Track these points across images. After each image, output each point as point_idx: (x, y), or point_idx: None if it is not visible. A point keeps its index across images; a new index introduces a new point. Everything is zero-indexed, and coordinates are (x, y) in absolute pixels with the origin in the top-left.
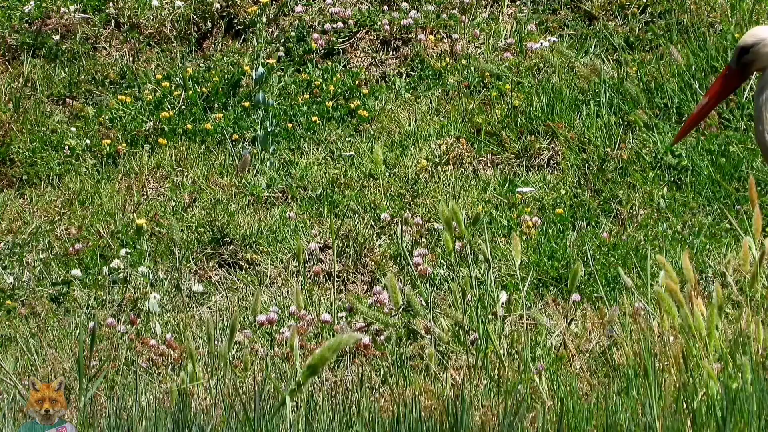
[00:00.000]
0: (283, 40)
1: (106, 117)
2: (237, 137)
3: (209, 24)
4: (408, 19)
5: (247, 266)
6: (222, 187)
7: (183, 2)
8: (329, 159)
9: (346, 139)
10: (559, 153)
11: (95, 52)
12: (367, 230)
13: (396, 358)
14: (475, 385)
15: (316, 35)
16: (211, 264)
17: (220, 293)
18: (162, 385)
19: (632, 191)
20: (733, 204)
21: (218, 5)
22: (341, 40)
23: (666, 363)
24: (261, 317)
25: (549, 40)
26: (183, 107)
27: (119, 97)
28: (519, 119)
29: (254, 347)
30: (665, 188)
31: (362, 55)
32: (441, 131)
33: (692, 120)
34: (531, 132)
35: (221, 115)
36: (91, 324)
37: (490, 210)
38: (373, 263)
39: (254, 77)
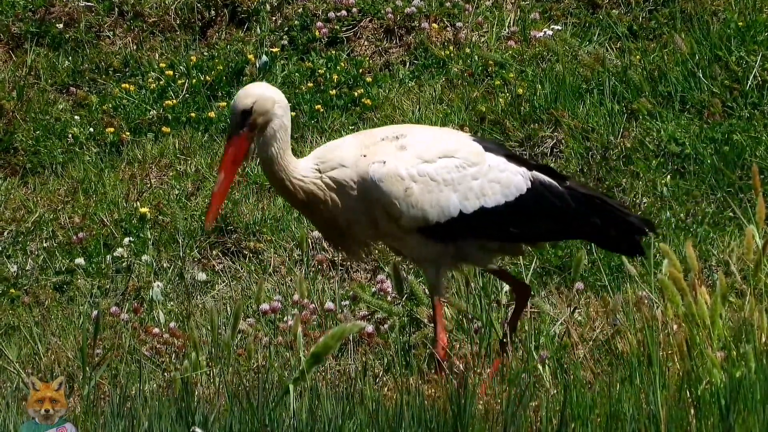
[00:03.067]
0: (286, 28)
1: (110, 105)
2: None
3: (213, 12)
4: (411, 7)
5: (251, 255)
6: None
7: None
8: None
9: (350, 128)
10: (563, 141)
11: (99, 41)
12: None
13: (399, 347)
14: (479, 373)
15: (319, 23)
16: (214, 252)
17: (223, 282)
18: (165, 374)
19: (635, 179)
20: (736, 192)
21: None
22: (345, 29)
23: (670, 351)
24: (264, 306)
25: (553, 29)
26: (187, 96)
27: (123, 85)
28: (522, 107)
29: (258, 336)
30: (668, 176)
31: (366, 43)
32: (444, 120)
33: (216, 200)
34: (534, 120)
35: (225, 103)
36: (95, 312)
37: None
38: (376, 252)
39: (258, 66)
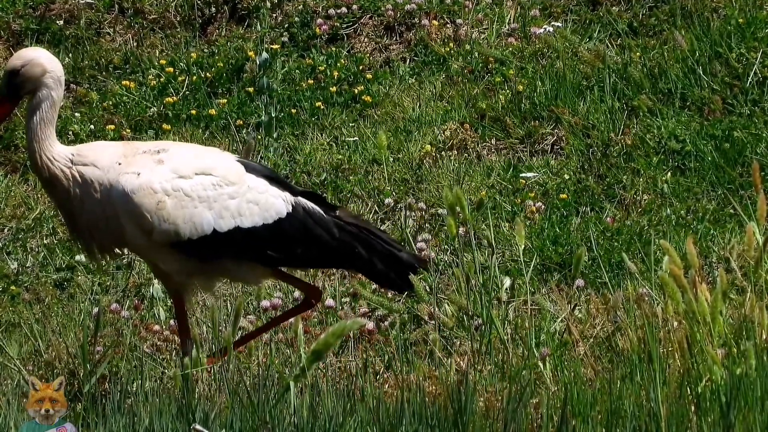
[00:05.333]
0: (287, 25)
1: (110, 102)
2: (241, 123)
3: (213, 9)
4: (411, 4)
5: None
6: None
7: None
8: (333, 144)
9: (350, 125)
10: (563, 138)
11: (99, 38)
12: (371, 215)
13: (400, 344)
14: (479, 370)
15: (320, 20)
16: None
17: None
18: (166, 371)
19: (636, 176)
20: (737, 189)
21: None
22: (345, 26)
23: (670, 348)
24: (265, 302)
25: (553, 26)
26: (187, 93)
27: (123, 82)
28: (523, 105)
29: None
30: (669, 173)
31: (366, 40)
32: (445, 117)
33: None
34: (535, 117)
35: (225, 100)
36: (95, 310)
37: (494, 195)
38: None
39: (258, 63)
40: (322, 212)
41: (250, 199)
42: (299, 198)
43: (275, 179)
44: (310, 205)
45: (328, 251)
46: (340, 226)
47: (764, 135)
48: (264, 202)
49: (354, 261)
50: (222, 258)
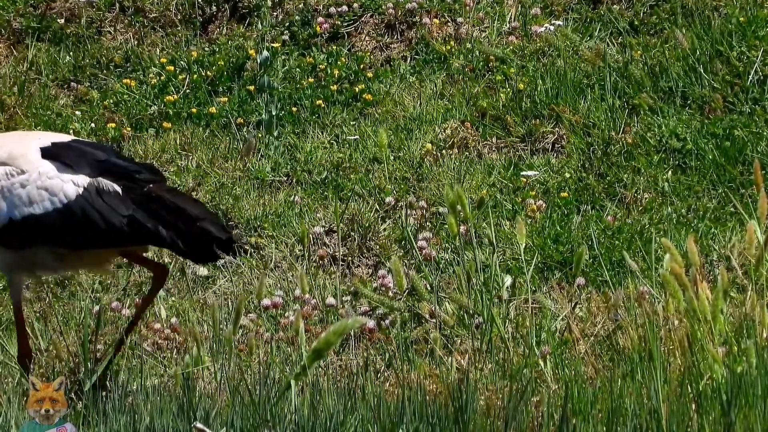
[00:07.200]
0: (287, 23)
1: (111, 101)
2: (242, 121)
3: (214, 8)
4: (412, 2)
5: (252, 250)
6: (226, 171)
7: None
8: (334, 143)
9: (351, 123)
10: (564, 137)
11: (100, 36)
12: (371, 214)
13: (401, 342)
14: (480, 369)
15: (320, 19)
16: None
17: (224, 277)
18: (167, 369)
19: (637, 175)
20: (737, 188)
21: None
22: (346, 24)
23: (671, 347)
24: (266, 301)
25: (554, 24)
26: (188, 91)
27: (124, 80)
28: (524, 103)
29: (259, 331)
30: (670, 172)
31: (367, 38)
32: (446, 115)
33: None
34: (536, 116)
35: (226, 98)
36: (96, 308)
37: (495, 194)
38: (377, 247)
39: (259, 61)
40: (118, 190)
41: (39, 185)
42: (98, 179)
43: (67, 163)
44: (106, 184)
45: (117, 229)
46: (138, 202)
47: (765, 133)
48: (52, 187)
49: (150, 237)
50: (32, 246)
